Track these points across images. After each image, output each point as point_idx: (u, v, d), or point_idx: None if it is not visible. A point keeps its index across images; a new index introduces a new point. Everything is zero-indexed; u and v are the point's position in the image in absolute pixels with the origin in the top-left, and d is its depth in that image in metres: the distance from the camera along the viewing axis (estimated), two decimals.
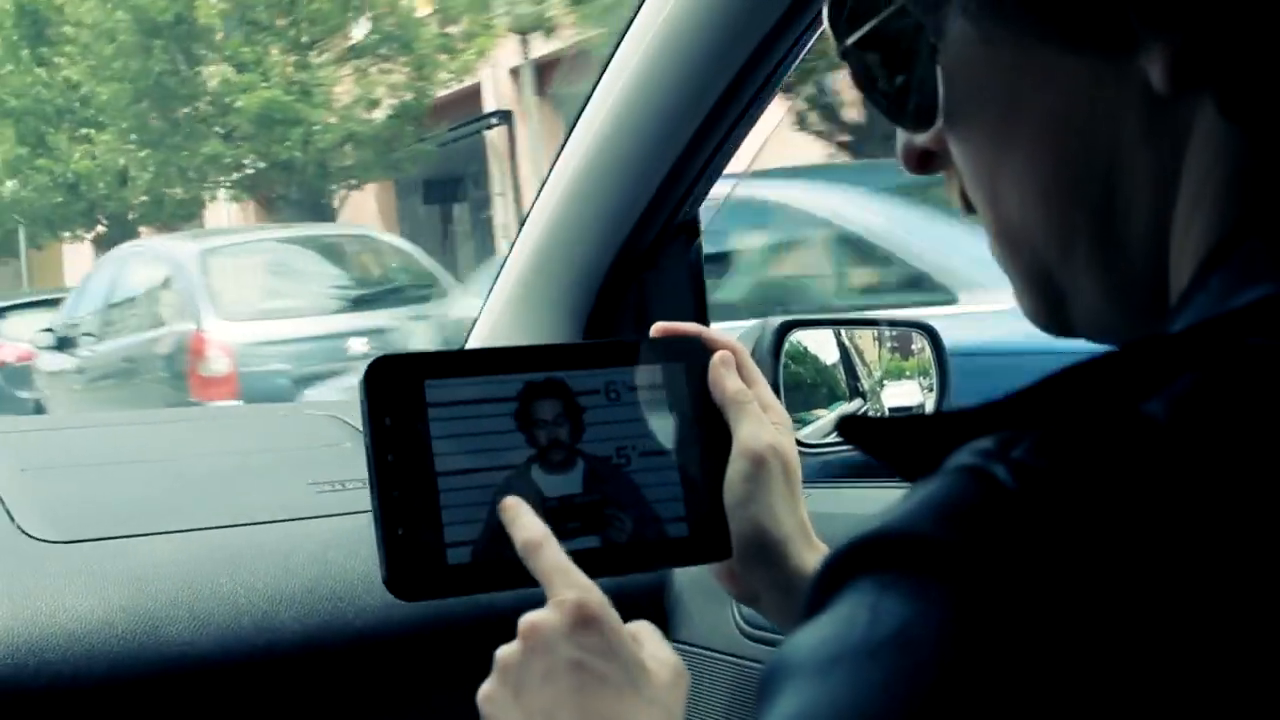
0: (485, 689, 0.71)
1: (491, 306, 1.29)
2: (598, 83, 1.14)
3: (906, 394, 1.21)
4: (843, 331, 1.22)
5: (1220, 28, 0.43)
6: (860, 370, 1.21)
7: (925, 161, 0.56)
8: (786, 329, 1.11)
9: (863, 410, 1.19)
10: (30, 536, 1.05)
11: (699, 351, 0.84)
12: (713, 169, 1.14)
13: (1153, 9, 0.44)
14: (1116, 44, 0.45)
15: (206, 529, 1.10)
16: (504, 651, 0.70)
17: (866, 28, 0.54)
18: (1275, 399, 0.38)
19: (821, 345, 1.20)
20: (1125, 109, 0.47)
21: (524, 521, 0.74)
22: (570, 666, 0.67)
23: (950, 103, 0.52)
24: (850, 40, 0.55)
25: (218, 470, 1.25)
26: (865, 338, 1.25)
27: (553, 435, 0.79)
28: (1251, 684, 0.33)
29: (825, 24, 0.58)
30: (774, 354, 1.09)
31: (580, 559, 0.76)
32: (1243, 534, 0.35)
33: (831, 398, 1.21)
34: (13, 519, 1.07)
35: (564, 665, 0.67)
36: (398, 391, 0.76)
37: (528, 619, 0.69)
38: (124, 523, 1.09)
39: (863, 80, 0.57)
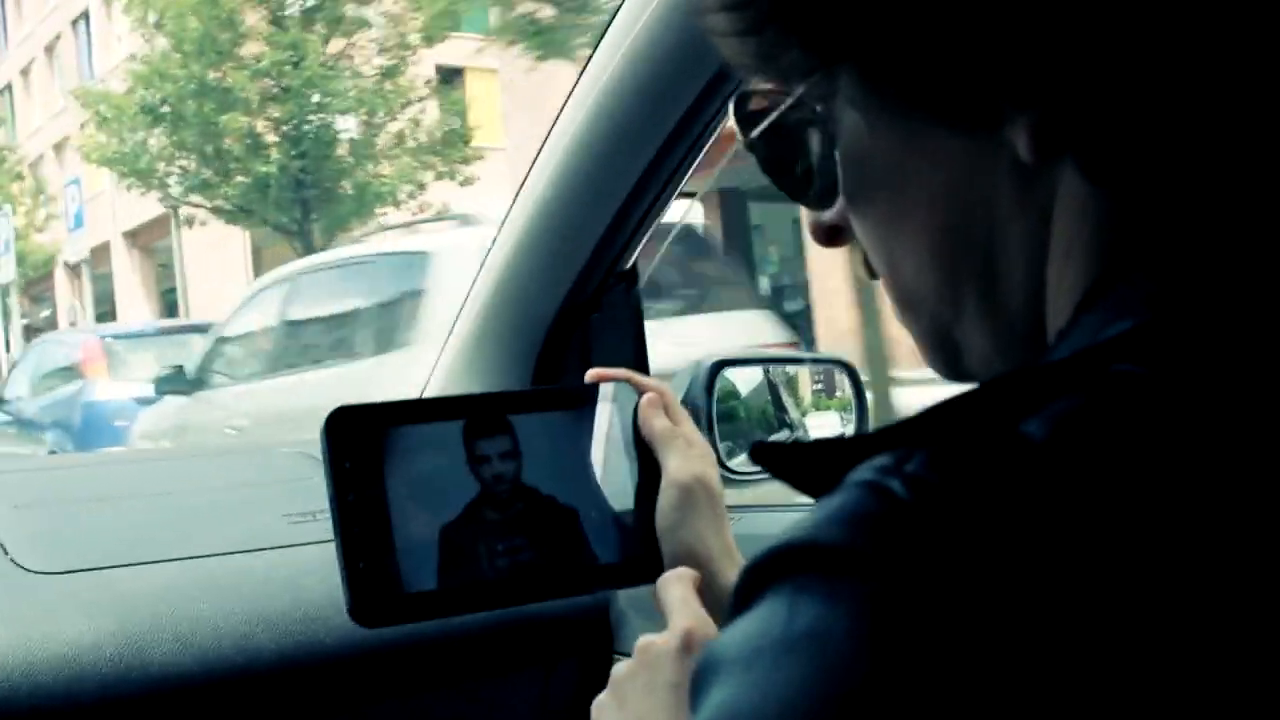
0: (599, 698, 0.76)
1: (448, 351, 1.30)
2: (544, 145, 1.18)
3: (828, 425, 1.26)
4: (771, 369, 1.27)
5: (1076, 99, 0.46)
6: (787, 404, 1.26)
7: (833, 235, 0.58)
8: (719, 367, 1.15)
9: (788, 439, 1.26)
10: (23, 568, 1.08)
11: (630, 394, 0.89)
12: (648, 222, 1.18)
13: (1013, 86, 0.47)
14: (984, 121, 0.48)
15: (188, 558, 1.14)
16: (619, 666, 0.75)
17: (768, 121, 0.56)
18: (1134, 419, 0.41)
19: (752, 382, 1.25)
20: (997, 180, 0.49)
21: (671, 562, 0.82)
22: (670, 686, 0.71)
23: (848, 183, 0.55)
24: (754, 133, 0.58)
25: (198, 504, 1.27)
26: (800, 378, 1.30)
27: (498, 472, 0.83)
28: (1119, 668, 0.36)
29: (730, 119, 0.61)
30: (707, 389, 1.13)
31: (525, 583, 0.81)
32: (1110, 536, 0.38)
33: (761, 429, 1.25)
34: (6, 552, 1.10)
35: (665, 683, 0.72)
36: (355, 438, 0.80)
37: (644, 639, 0.75)
38: (111, 554, 1.12)
39: (769, 168, 0.59)
